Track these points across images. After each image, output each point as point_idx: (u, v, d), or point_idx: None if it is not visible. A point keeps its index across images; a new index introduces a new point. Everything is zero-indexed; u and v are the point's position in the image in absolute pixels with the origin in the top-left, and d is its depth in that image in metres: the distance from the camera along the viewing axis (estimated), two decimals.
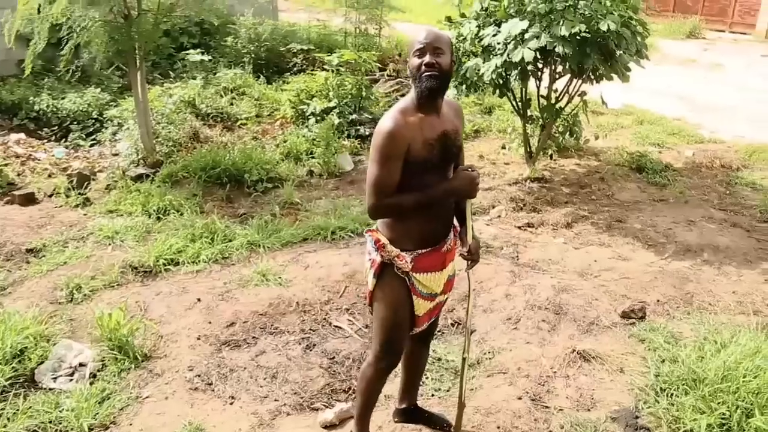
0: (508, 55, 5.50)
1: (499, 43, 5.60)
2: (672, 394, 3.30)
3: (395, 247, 2.60)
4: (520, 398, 3.39)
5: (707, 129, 8.53)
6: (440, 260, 2.70)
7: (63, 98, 7.50)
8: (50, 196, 5.88)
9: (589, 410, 3.32)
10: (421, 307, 2.71)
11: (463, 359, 2.85)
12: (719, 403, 3.07)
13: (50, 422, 3.17)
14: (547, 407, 3.34)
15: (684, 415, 3.13)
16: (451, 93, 6.11)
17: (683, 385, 3.30)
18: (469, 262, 2.73)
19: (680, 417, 3.14)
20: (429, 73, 2.43)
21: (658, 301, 4.35)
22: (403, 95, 8.72)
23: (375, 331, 2.76)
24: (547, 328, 4.03)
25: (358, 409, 2.95)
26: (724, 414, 3.03)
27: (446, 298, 2.92)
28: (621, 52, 5.68)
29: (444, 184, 2.56)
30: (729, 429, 2.99)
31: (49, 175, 6.25)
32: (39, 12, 5.58)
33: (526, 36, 5.44)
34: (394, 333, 2.72)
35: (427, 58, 2.43)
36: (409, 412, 3.20)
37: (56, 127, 7.32)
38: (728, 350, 3.40)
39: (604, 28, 5.29)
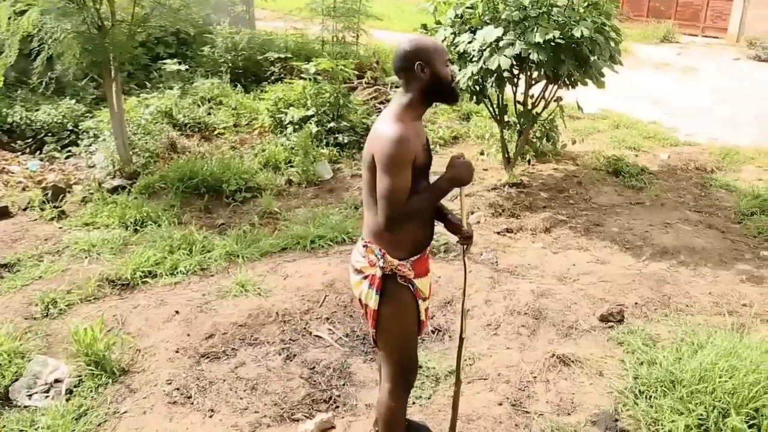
0: (484, 62, 5.55)
1: (474, 50, 5.64)
2: (650, 396, 3.33)
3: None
4: (500, 404, 3.41)
5: (682, 132, 8.64)
6: (425, 265, 2.75)
7: (37, 110, 7.38)
8: (24, 209, 5.79)
9: (569, 414, 3.35)
10: (422, 311, 2.74)
11: (461, 339, 2.88)
12: (696, 404, 3.11)
13: None
14: (527, 412, 3.36)
15: (662, 416, 3.16)
16: None
17: (661, 386, 3.33)
18: (465, 246, 2.80)
19: (659, 419, 3.17)
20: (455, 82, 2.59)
21: (636, 303, 4.40)
22: (381, 102, 8.79)
23: (390, 353, 2.70)
24: (526, 333, 4.05)
25: None
26: (701, 415, 3.06)
27: (429, 304, 2.94)
28: (595, 57, 5.76)
29: (444, 175, 2.57)
30: (706, 430, 3.03)
31: (24, 188, 6.16)
32: (9, 23, 5.49)
33: (501, 43, 5.49)
34: (411, 348, 2.73)
35: (452, 68, 2.57)
36: None
37: (30, 140, 7.19)
38: (705, 351, 3.45)
39: (577, 34, 5.36)
